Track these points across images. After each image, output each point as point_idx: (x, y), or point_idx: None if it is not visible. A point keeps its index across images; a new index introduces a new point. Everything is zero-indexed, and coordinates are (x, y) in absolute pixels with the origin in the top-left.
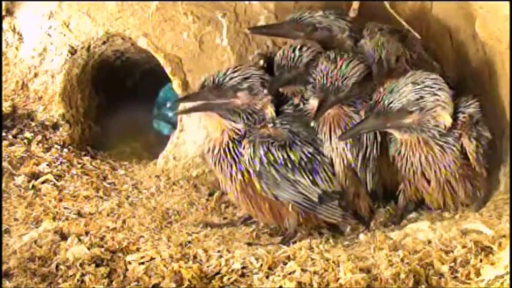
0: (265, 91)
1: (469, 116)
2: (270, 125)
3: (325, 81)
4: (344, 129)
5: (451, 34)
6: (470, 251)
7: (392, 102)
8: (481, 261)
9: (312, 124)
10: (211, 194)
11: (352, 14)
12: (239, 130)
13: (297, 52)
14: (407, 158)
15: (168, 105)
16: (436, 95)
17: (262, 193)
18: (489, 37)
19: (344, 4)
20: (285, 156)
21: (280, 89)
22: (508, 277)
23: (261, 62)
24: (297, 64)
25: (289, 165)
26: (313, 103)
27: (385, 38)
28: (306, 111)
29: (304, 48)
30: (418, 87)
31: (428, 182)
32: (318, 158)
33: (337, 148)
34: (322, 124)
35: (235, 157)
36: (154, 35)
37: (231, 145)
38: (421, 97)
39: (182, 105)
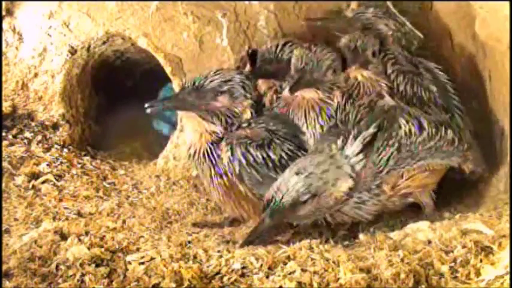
0: (247, 94)
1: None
2: (245, 125)
3: (299, 64)
4: (318, 114)
5: (451, 34)
6: (470, 251)
7: (282, 197)
8: (481, 261)
9: (285, 92)
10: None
11: (350, 14)
12: (217, 133)
13: (317, 55)
14: None
15: (146, 105)
16: (321, 178)
17: (248, 194)
18: (489, 37)
19: (344, 4)
20: (265, 155)
21: (259, 82)
22: (508, 277)
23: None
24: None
25: (270, 164)
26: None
27: (361, 33)
28: (279, 102)
29: (325, 51)
30: (303, 176)
31: None
32: (299, 154)
33: (314, 134)
34: (296, 108)
35: (213, 160)
36: (154, 35)
37: (208, 149)
38: (310, 184)
39: None
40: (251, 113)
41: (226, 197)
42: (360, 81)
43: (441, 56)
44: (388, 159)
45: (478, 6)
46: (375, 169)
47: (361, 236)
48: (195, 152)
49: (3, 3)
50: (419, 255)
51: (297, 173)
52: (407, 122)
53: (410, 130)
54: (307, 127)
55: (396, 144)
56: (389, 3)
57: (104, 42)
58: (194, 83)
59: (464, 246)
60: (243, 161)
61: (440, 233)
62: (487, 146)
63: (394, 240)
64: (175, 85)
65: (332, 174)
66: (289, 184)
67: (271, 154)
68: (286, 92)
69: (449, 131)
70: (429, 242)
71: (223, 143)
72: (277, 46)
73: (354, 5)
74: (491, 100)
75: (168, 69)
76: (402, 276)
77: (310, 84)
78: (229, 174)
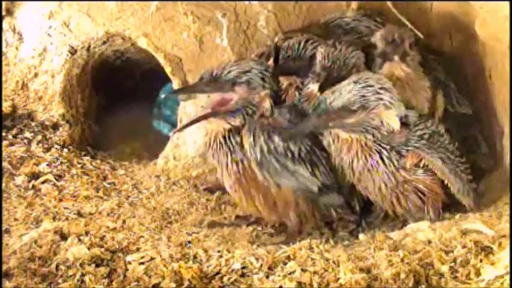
0: (266, 85)
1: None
2: (268, 114)
3: (326, 61)
4: None
5: (451, 34)
6: (470, 251)
7: (333, 100)
8: (481, 261)
9: (311, 89)
10: (210, 191)
11: (350, 14)
12: (236, 125)
13: (343, 53)
14: (343, 159)
15: (163, 96)
16: (378, 93)
17: (264, 183)
18: (489, 37)
19: (344, 4)
20: (285, 145)
21: (281, 79)
22: (508, 277)
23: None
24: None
25: (289, 154)
26: (313, 87)
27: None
28: (302, 98)
29: (350, 49)
30: (360, 86)
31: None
32: (317, 152)
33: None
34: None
35: (231, 147)
36: (154, 35)
37: (226, 135)
38: (363, 95)
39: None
40: (270, 104)
41: (237, 184)
42: (402, 79)
43: (441, 56)
44: (421, 136)
45: (478, 6)
46: (409, 134)
47: (361, 236)
48: (210, 140)
49: (3, 3)
50: (419, 255)
51: (355, 82)
52: (446, 128)
53: (444, 134)
54: None
55: (431, 131)
56: (389, 4)
57: (104, 42)
58: (212, 73)
59: (464, 246)
60: (264, 148)
61: (440, 233)
62: (487, 146)
63: (394, 240)
64: (176, 85)
65: (389, 96)
66: (344, 89)
67: (291, 145)
68: (313, 89)
69: (468, 169)
70: (429, 242)
71: (245, 129)
72: (299, 43)
73: (354, 4)
74: (491, 100)
75: (168, 69)
76: (402, 276)
77: (337, 82)
78: (244, 163)
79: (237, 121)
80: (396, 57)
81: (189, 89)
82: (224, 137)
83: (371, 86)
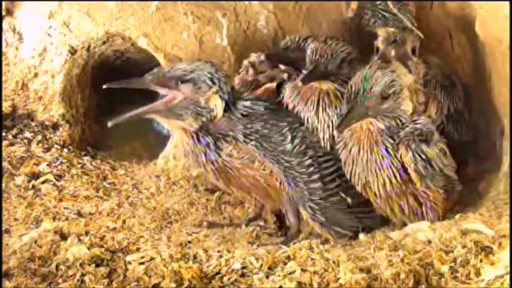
0: (213, 86)
1: (413, 129)
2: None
3: (315, 56)
4: (329, 103)
5: (451, 34)
6: (470, 251)
7: (372, 87)
8: (481, 261)
9: (299, 84)
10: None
11: (350, 14)
12: (191, 128)
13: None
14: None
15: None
16: (399, 79)
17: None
18: (489, 37)
19: (344, 4)
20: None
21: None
22: (508, 277)
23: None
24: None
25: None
26: (298, 81)
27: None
28: (292, 94)
29: (340, 44)
30: (386, 71)
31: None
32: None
33: (324, 120)
34: (309, 95)
35: (203, 148)
36: (154, 35)
37: (191, 143)
38: (393, 80)
39: None
40: (219, 104)
41: (221, 180)
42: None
43: (441, 56)
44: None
45: (478, 6)
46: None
47: (361, 236)
48: (185, 151)
49: (3, 3)
50: (419, 255)
51: (380, 68)
52: (443, 142)
53: (440, 143)
54: (316, 115)
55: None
56: (389, 3)
57: (104, 42)
58: (158, 70)
59: (464, 246)
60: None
61: (440, 233)
62: (487, 146)
63: (394, 240)
64: None
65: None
66: (376, 75)
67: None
68: (297, 82)
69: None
70: (429, 242)
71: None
72: (300, 37)
73: (354, 5)
74: (491, 100)
75: None
76: (402, 276)
77: (324, 76)
78: (218, 163)
79: (186, 122)
80: (393, 52)
81: (132, 82)
82: (191, 147)
83: (394, 72)
